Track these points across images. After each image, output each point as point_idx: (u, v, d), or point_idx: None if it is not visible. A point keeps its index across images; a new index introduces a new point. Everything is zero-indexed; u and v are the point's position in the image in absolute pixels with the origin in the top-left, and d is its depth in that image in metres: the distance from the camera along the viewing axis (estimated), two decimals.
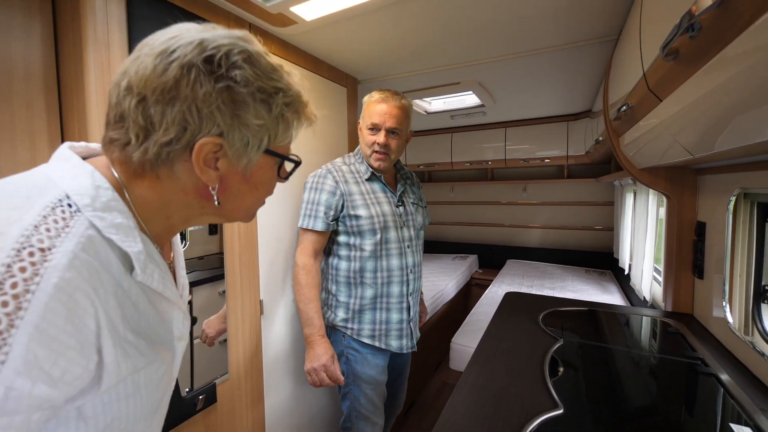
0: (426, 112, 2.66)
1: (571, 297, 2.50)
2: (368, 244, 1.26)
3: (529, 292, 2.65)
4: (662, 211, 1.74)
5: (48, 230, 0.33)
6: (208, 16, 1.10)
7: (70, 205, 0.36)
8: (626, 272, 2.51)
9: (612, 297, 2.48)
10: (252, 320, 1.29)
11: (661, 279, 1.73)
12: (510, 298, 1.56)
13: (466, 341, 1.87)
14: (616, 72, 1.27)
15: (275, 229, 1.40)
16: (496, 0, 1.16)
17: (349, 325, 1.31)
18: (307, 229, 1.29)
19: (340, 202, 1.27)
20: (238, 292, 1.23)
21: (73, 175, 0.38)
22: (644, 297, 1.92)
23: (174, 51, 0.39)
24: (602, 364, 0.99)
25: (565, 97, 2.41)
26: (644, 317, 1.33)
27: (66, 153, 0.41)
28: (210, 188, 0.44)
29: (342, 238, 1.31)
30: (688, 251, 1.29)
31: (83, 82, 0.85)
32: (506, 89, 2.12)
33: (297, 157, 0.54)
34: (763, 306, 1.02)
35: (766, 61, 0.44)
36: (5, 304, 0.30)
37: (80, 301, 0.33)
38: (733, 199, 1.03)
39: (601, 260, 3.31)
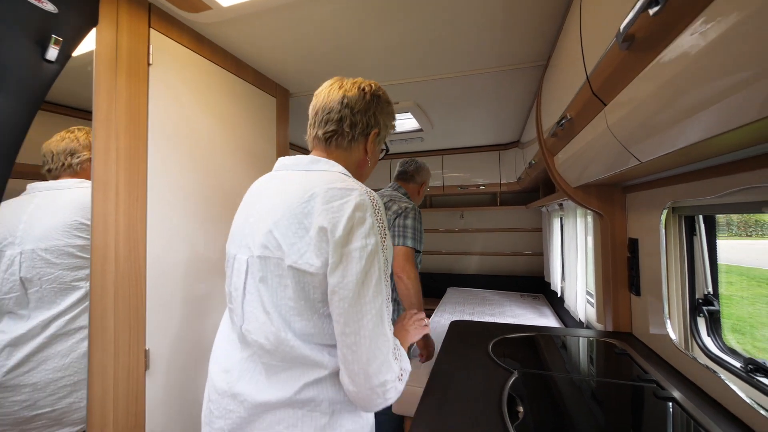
0: None
1: (512, 322, 2.48)
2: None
3: (470, 318, 2.58)
4: (590, 239, 1.80)
5: (358, 182, 0.73)
6: None
7: (346, 174, 0.77)
8: (559, 295, 2.58)
9: (548, 320, 2.51)
10: (131, 378, 0.97)
11: (593, 301, 1.75)
12: (456, 327, 1.43)
13: (411, 380, 1.68)
14: (548, 92, 1.30)
15: (172, 256, 1.12)
16: (426, 16, 1.12)
17: None
18: (416, 251, 1.54)
19: None
20: (109, 339, 0.92)
21: (327, 166, 0.76)
22: (579, 318, 1.94)
23: (364, 89, 0.80)
24: (563, 398, 0.88)
25: (497, 126, 2.51)
26: (588, 339, 1.28)
27: (313, 157, 0.77)
28: (366, 158, 0.84)
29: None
30: (623, 268, 1.29)
31: None
32: (443, 112, 2.13)
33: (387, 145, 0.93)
34: (699, 320, 1.02)
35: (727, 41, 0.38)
36: (380, 218, 0.67)
37: (384, 216, 0.69)
38: (665, 212, 1.04)
39: (534, 284, 3.43)
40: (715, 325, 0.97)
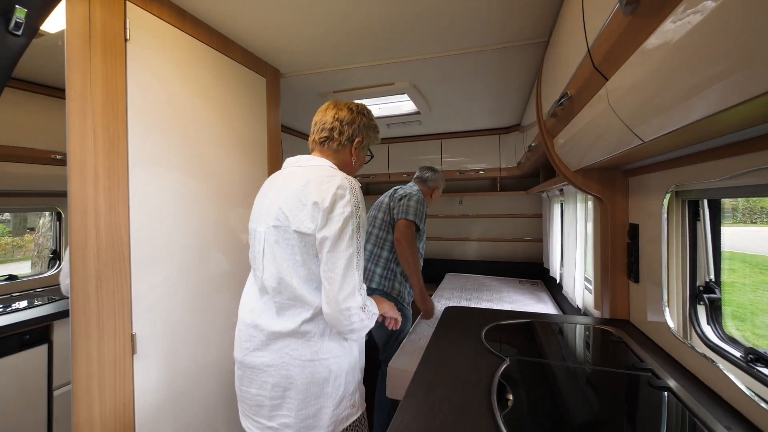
0: None
1: (509, 308, 2.47)
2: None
3: (467, 304, 2.57)
4: (590, 225, 1.76)
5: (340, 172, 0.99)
6: None
7: (331, 167, 1.02)
8: (558, 281, 2.56)
9: (546, 306, 2.50)
10: (118, 363, 0.95)
11: (591, 287, 1.73)
12: (449, 314, 1.41)
13: (405, 365, 1.67)
14: (549, 71, 1.23)
15: (159, 241, 1.09)
16: None
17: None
18: (417, 226, 1.84)
19: None
20: (93, 324, 0.90)
21: (320, 162, 1.03)
22: (577, 305, 1.92)
23: (352, 108, 1.07)
24: (555, 386, 0.86)
25: (497, 109, 2.44)
26: (585, 326, 1.26)
27: (310, 156, 1.05)
28: (351, 159, 1.09)
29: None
30: (622, 255, 1.26)
31: None
32: (441, 94, 2.06)
33: (371, 153, 1.22)
34: (699, 308, 0.99)
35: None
36: (356, 195, 0.93)
37: (360, 195, 0.95)
38: (668, 196, 1.00)
39: (533, 270, 3.41)
40: (715, 314, 0.94)
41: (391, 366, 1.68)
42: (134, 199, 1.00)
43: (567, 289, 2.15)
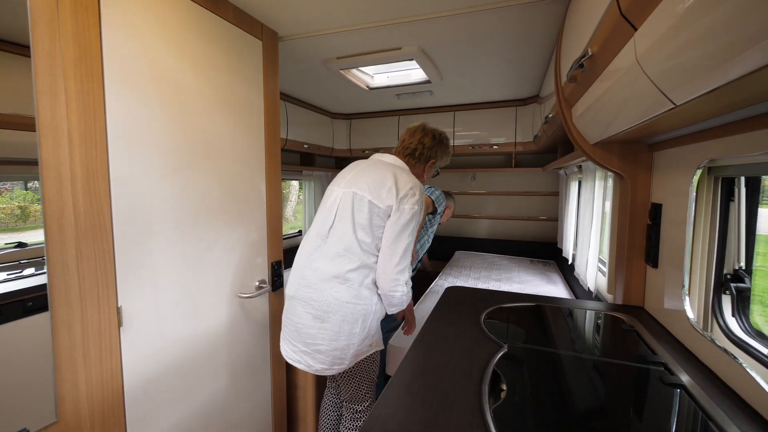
0: (368, 87, 2.39)
1: (518, 288, 2.39)
2: None
3: (475, 284, 2.51)
4: (608, 205, 1.64)
5: (418, 182, 1.28)
6: None
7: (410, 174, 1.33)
8: (570, 262, 2.46)
9: (556, 288, 2.42)
10: (104, 337, 0.94)
11: (605, 270, 1.63)
12: (450, 294, 1.35)
13: (406, 343, 1.64)
14: (570, 30, 1.09)
15: (144, 210, 1.05)
16: None
17: None
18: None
19: None
20: (74, 296, 0.87)
21: (403, 165, 1.36)
22: (589, 288, 1.83)
23: (435, 136, 1.43)
24: (553, 378, 0.80)
25: (514, 78, 2.27)
26: (594, 312, 1.18)
27: (395, 158, 1.37)
28: (423, 174, 1.44)
29: None
30: (641, 237, 1.15)
31: None
32: (453, 60, 1.91)
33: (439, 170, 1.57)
34: (724, 297, 0.89)
35: None
36: (421, 201, 1.24)
37: (423, 202, 1.27)
38: (699, 172, 0.88)
39: (546, 250, 3.30)
40: (742, 305, 0.84)
41: (392, 344, 1.66)
42: (115, 167, 0.95)
43: (579, 270, 2.05)
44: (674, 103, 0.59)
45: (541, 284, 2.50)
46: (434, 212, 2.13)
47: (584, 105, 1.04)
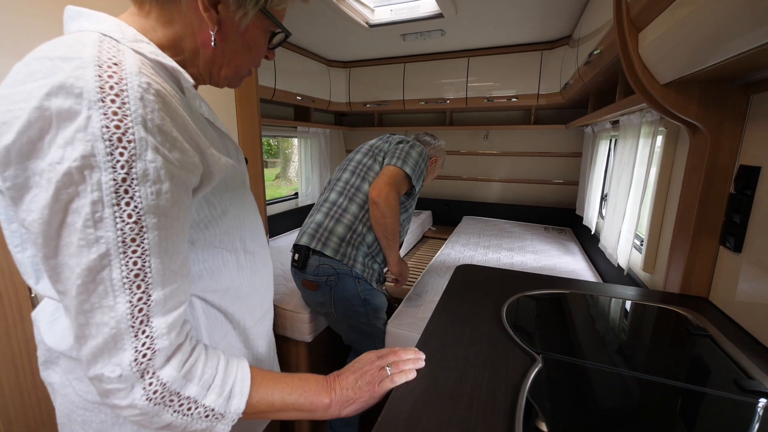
0: (368, 23, 2.01)
1: (532, 259, 2.17)
2: None
3: (485, 254, 2.29)
4: (654, 170, 1.35)
5: (108, 50, 0.38)
6: None
7: (110, 37, 0.41)
8: (593, 232, 2.21)
9: (575, 259, 2.19)
10: (12, 324, 0.73)
11: (642, 246, 1.37)
12: (461, 274, 1.12)
13: (407, 323, 1.45)
14: None
15: None
16: None
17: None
18: (406, 174, 1.34)
19: None
20: None
21: (97, 20, 0.44)
22: (618, 264, 1.59)
23: None
24: (620, 415, 0.57)
25: (543, 13, 1.87)
26: (646, 306, 0.94)
27: (80, 9, 0.44)
28: (210, 31, 0.49)
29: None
30: (717, 210, 0.88)
31: None
32: None
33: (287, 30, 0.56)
34: None
35: None
36: (114, 103, 0.36)
37: (167, 99, 0.40)
38: None
39: (561, 217, 3.03)
40: None
41: (391, 324, 1.46)
42: None
43: (606, 243, 1.80)
44: None
45: (557, 255, 2.27)
46: (407, 192, 1.42)
47: (663, 26, 0.73)
